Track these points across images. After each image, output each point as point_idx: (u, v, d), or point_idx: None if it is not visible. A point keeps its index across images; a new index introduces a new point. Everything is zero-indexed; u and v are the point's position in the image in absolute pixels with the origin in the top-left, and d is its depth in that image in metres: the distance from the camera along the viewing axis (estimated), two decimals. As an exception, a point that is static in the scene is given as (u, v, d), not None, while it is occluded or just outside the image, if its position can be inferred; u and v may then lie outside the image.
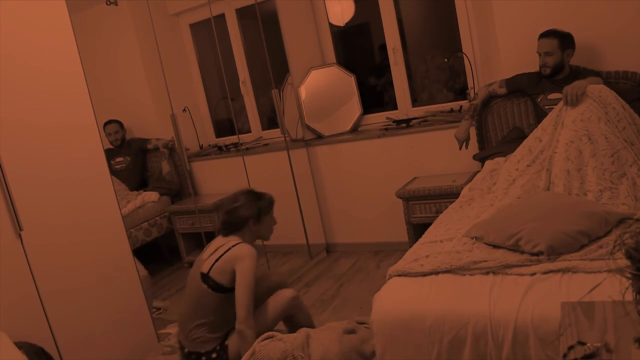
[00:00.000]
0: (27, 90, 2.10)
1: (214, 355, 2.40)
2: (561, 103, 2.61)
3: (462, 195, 2.83)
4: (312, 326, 2.55)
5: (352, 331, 2.25)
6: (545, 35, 2.88)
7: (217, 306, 2.40)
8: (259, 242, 4.11)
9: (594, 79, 2.67)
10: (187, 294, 2.50)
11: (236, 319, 2.29)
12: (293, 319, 2.58)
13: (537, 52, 2.93)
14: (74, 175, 2.24)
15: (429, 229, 2.45)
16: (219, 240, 2.49)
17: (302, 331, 2.13)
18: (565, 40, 2.85)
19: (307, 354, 2.00)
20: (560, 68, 2.91)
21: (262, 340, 1.89)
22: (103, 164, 2.38)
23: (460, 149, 3.19)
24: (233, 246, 2.41)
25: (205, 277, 2.38)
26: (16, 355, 1.68)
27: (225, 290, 2.38)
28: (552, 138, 2.58)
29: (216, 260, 2.38)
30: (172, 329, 2.70)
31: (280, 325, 2.56)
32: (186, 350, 2.42)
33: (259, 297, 2.47)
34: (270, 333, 1.90)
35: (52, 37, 2.20)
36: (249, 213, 2.48)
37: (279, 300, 2.50)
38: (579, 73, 2.89)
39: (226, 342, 2.42)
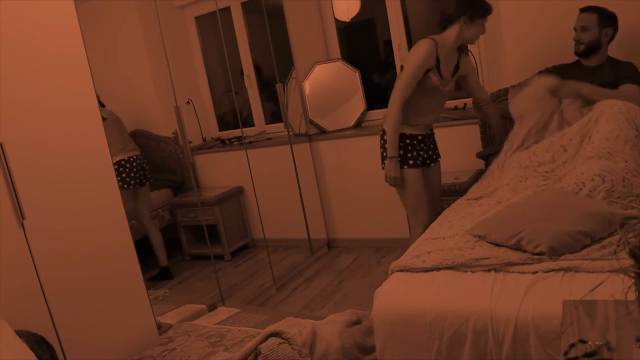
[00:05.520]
0: (29, 71, 2.09)
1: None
2: (590, 114, 2.50)
3: (469, 193, 2.81)
4: None
5: (356, 322, 2.23)
6: (584, 9, 2.71)
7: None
8: (260, 236, 4.13)
9: (630, 90, 2.52)
10: None
11: None
12: None
13: (574, 28, 2.76)
14: (75, 160, 2.23)
15: (432, 225, 2.44)
16: None
17: (308, 326, 2.12)
18: (605, 17, 2.65)
19: (312, 350, 1.99)
20: (595, 47, 2.68)
21: (267, 338, 1.87)
22: (105, 150, 2.36)
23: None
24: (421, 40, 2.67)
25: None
26: (17, 344, 1.69)
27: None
28: (576, 152, 2.50)
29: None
30: (173, 319, 2.70)
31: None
32: None
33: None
34: (275, 330, 1.87)
35: (54, 17, 2.19)
36: (463, 10, 2.60)
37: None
38: (617, 69, 2.68)
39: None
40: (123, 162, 3.78)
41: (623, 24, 2.73)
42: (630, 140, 2.35)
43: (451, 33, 2.68)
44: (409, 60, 2.67)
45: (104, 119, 3.81)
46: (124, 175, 3.77)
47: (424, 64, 2.63)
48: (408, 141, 2.80)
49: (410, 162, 2.79)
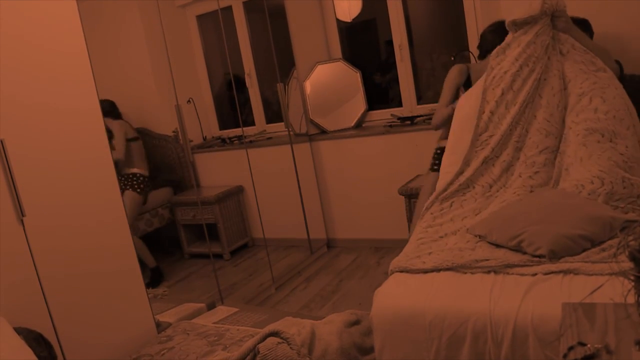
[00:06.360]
0: (30, 69, 2.09)
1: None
2: (596, 77, 2.41)
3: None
4: None
5: (355, 322, 2.23)
6: None
7: None
8: (260, 235, 4.13)
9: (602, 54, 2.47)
10: None
11: None
12: None
13: None
14: (76, 158, 2.23)
15: (432, 212, 2.43)
16: None
17: (307, 326, 2.12)
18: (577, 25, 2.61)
19: (311, 349, 1.99)
20: None
21: (266, 337, 1.86)
22: (105, 148, 2.36)
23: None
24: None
25: None
26: (15, 341, 1.69)
27: None
28: (572, 108, 2.40)
29: None
30: (172, 318, 2.70)
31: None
32: None
33: None
34: (274, 330, 1.87)
35: (56, 15, 2.18)
36: (500, 40, 2.62)
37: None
38: None
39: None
40: (134, 175, 4.08)
41: (597, 29, 2.76)
42: (631, 127, 2.31)
43: (488, 61, 2.72)
44: (444, 83, 2.94)
45: (136, 138, 4.07)
46: (135, 185, 4.03)
47: (454, 81, 2.87)
48: (439, 151, 2.95)
49: (435, 167, 2.93)
